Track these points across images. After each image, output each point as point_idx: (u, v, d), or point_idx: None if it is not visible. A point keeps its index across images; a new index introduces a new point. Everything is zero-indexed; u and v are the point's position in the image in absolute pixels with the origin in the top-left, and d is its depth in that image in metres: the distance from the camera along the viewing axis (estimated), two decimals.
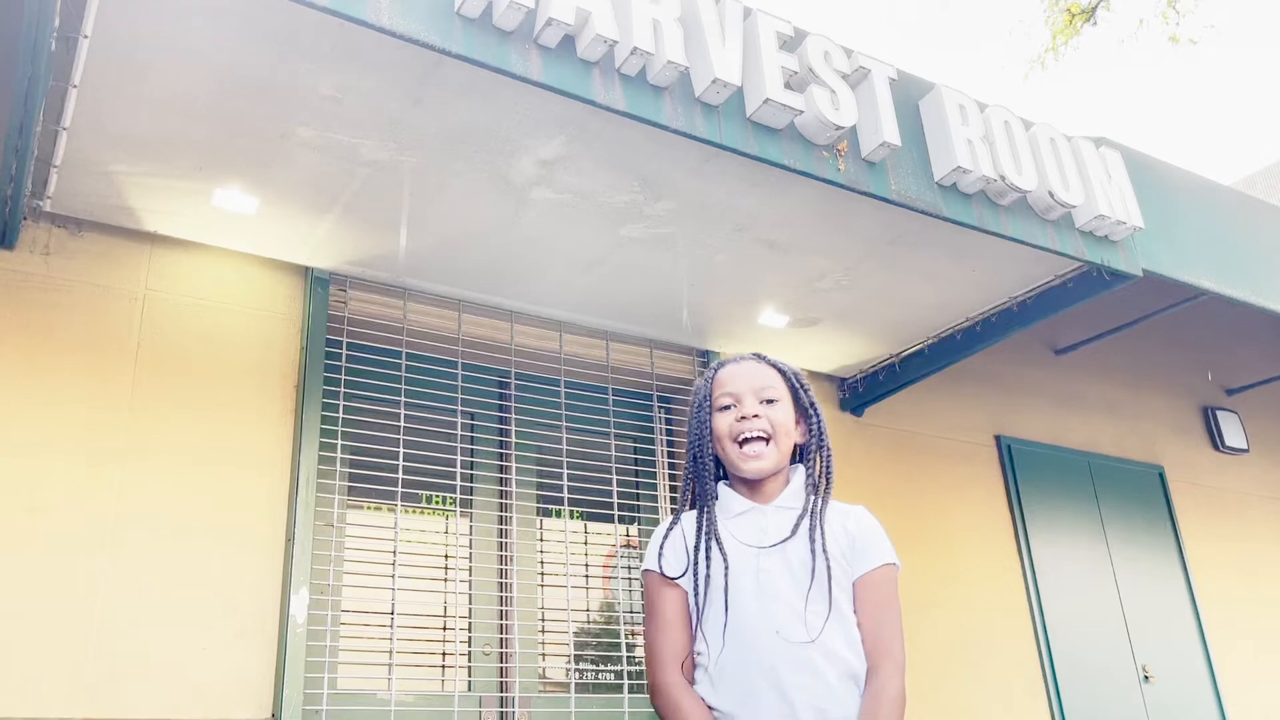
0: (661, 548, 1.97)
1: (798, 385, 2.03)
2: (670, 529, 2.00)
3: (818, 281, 4.47)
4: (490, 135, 3.40)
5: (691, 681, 1.88)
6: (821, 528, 1.88)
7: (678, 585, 1.93)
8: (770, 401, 1.97)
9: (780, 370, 2.03)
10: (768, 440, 1.94)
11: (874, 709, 1.77)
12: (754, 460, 1.93)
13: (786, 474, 1.99)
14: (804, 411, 2.02)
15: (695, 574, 1.91)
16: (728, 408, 1.98)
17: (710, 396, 2.01)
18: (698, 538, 1.93)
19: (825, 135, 3.51)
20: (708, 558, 1.90)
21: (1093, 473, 6.33)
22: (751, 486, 1.97)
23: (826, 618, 1.82)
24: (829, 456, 2.00)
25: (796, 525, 1.89)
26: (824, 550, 1.85)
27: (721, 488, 2.00)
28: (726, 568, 1.88)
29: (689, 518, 1.99)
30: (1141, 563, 6.26)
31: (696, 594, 1.90)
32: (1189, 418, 7.17)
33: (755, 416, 1.94)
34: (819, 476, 1.99)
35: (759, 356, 2.06)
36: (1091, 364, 6.62)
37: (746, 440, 1.94)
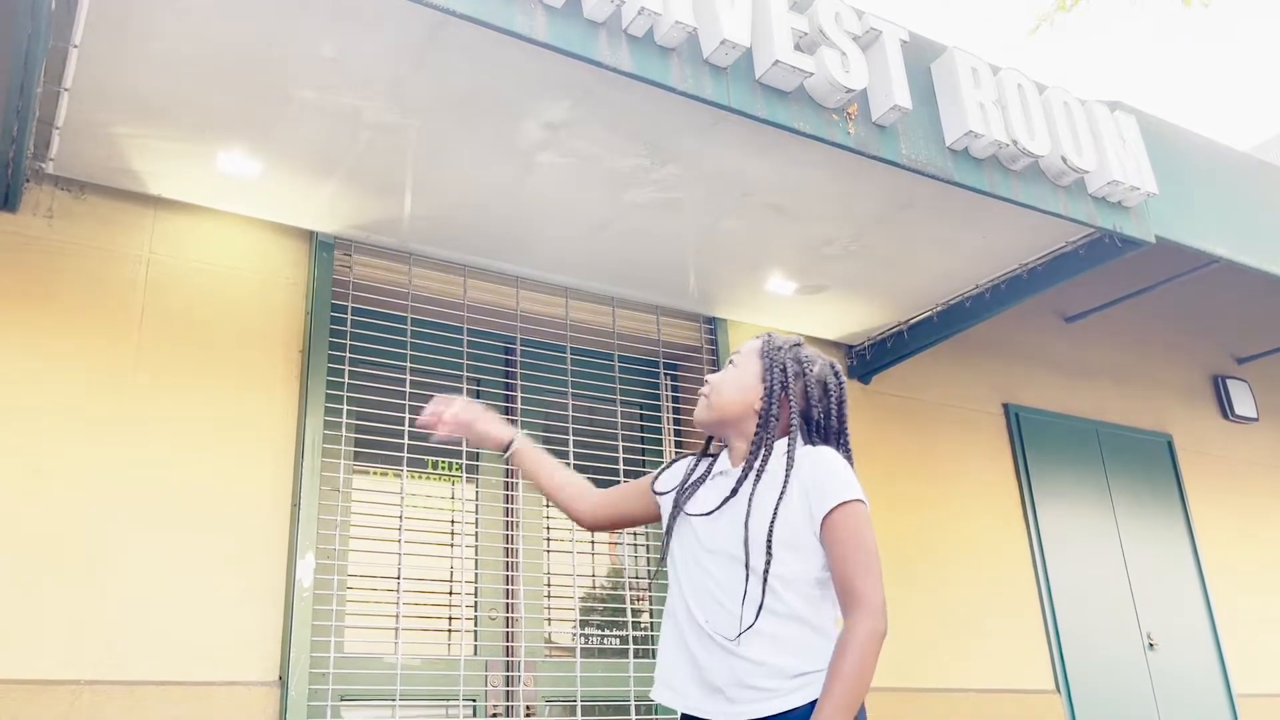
0: (669, 467, 2.21)
1: (764, 352, 2.09)
2: (686, 460, 2.18)
3: (826, 247, 4.43)
4: (495, 98, 3.36)
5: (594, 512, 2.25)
6: (750, 508, 1.92)
7: (648, 488, 2.20)
8: (730, 364, 2.13)
9: (763, 339, 2.13)
10: (704, 395, 2.11)
11: (839, 654, 1.80)
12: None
13: (755, 440, 2.04)
14: (766, 378, 2.06)
15: (667, 521, 2.10)
16: None
17: None
18: (680, 488, 2.10)
19: (835, 98, 3.46)
20: (676, 508, 2.07)
21: (1100, 441, 6.31)
22: (730, 447, 2.09)
23: (752, 624, 1.85)
24: (765, 423, 2.02)
25: (725, 500, 1.97)
26: (766, 544, 1.88)
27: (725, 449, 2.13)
28: (675, 518, 2.05)
29: (704, 463, 2.14)
30: (1148, 531, 6.25)
31: (665, 538, 2.09)
32: (1198, 386, 7.14)
33: (706, 380, 2.13)
34: (755, 447, 2.02)
35: (762, 334, 2.18)
36: (1101, 332, 6.58)
37: None
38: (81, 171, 3.71)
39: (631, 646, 4.45)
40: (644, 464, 4.87)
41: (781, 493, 1.90)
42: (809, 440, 2.01)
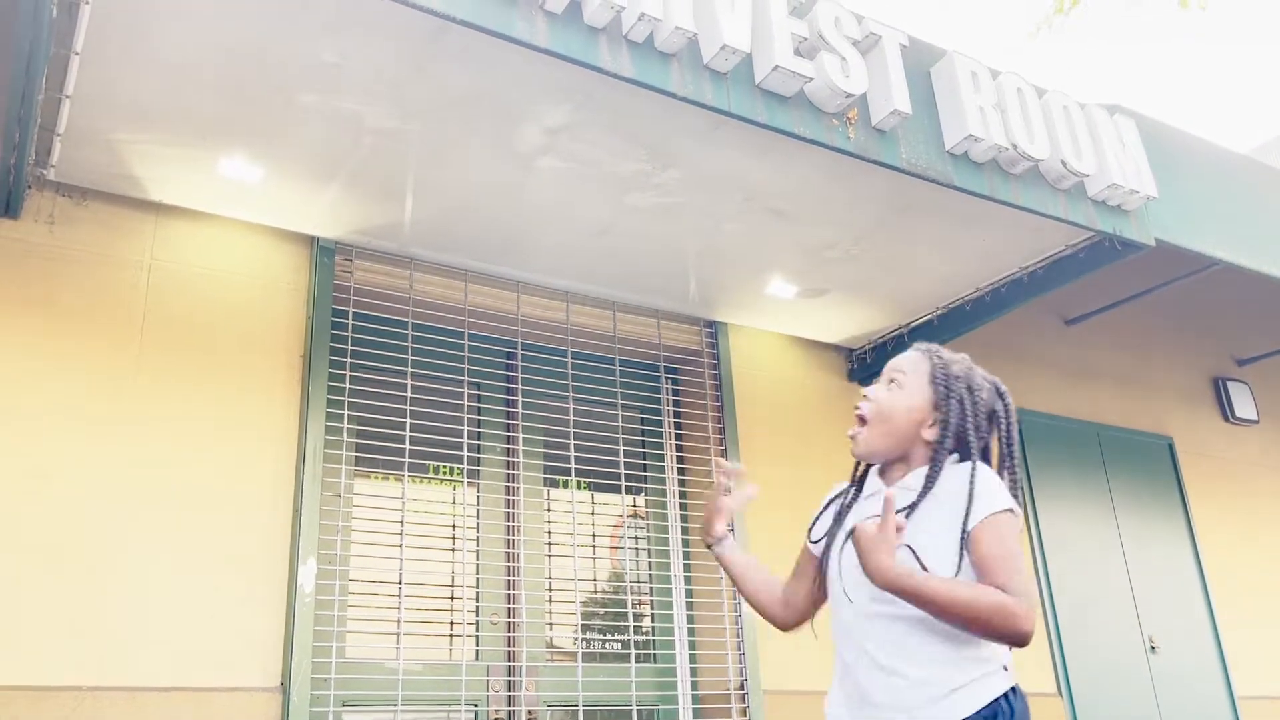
0: (820, 514, 2.17)
1: (934, 370, 2.02)
2: (835, 497, 2.15)
3: (826, 251, 4.43)
4: (495, 103, 3.37)
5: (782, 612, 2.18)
6: (910, 530, 1.88)
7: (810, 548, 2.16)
8: (891, 381, 2.04)
9: (930, 357, 2.05)
10: (864, 422, 2.02)
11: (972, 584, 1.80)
12: (852, 443, 2.04)
13: (914, 460, 1.99)
14: (938, 396, 2.00)
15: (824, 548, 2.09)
16: None
17: None
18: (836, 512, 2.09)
19: (835, 103, 3.46)
20: (829, 537, 2.06)
21: (1101, 444, 6.31)
22: (880, 470, 2.05)
23: (914, 644, 1.84)
24: (938, 454, 1.96)
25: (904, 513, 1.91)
26: (957, 563, 1.84)
27: (872, 470, 2.08)
28: (827, 548, 2.04)
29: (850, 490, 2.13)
30: (1149, 534, 6.25)
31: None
32: (1199, 388, 7.14)
33: (864, 398, 2.04)
34: (930, 474, 1.96)
35: (924, 349, 2.09)
36: (1102, 334, 6.58)
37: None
38: (83, 178, 3.72)
39: (633, 651, 4.45)
40: (645, 468, 4.87)
41: (950, 513, 1.88)
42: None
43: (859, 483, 2.09)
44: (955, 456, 1.98)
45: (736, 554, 2.24)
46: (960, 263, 4.59)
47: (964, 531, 1.83)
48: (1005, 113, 3.84)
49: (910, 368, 2.04)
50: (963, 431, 1.98)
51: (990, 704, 1.79)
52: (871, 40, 3.59)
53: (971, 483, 1.88)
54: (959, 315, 4.98)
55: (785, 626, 2.20)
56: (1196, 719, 5.85)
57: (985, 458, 1.98)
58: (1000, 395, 2.05)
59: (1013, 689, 1.83)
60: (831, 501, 2.15)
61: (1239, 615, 6.37)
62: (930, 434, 1.98)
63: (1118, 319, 6.37)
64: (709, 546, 2.26)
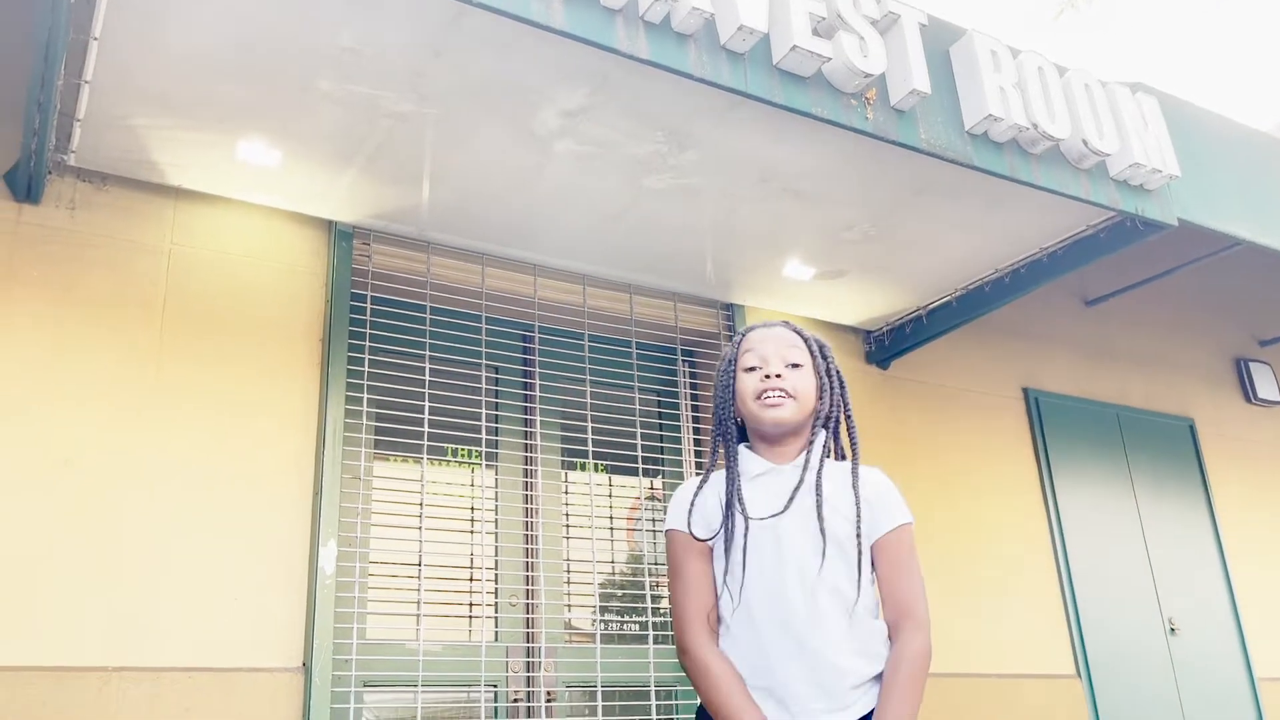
0: (691, 508, 1.99)
1: (818, 353, 2.06)
2: (699, 490, 2.02)
3: (845, 233, 4.41)
4: (512, 86, 3.36)
5: (716, 637, 1.95)
6: (820, 492, 1.92)
7: (703, 544, 1.97)
8: (795, 365, 2.01)
9: (805, 339, 2.07)
10: (791, 396, 1.98)
11: (895, 667, 1.82)
12: (774, 409, 1.95)
13: (808, 437, 2.01)
14: (823, 379, 2.04)
15: (725, 535, 1.94)
16: (754, 369, 2.01)
17: (736, 359, 2.05)
18: (727, 497, 1.96)
19: (854, 83, 3.44)
20: (731, 518, 1.94)
21: (1121, 425, 6.27)
22: (771, 446, 2.00)
23: (842, 585, 1.86)
24: (852, 425, 2.05)
25: (794, 493, 1.92)
26: (830, 519, 1.90)
27: (742, 450, 2.03)
28: (746, 529, 1.92)
29: (718, 478, 2.03)
30: (1169, 516, 6.22)
31: (726, 554, 1.93)
32: (1221, 369, 7.08)
33: (779, 376, 1.98)
34: (844, 443, 2.04)
35: (786, 324, 2.09)
36: (1122, 315, 6.54)
37: (768, 395, 1.97)
38: (103, 163, 3.73)
39: (651, 632, 4.47)
40: (662, 450, 4.88)
41: (856, 497, 1.93)
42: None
43: (728, 463, 2.01)
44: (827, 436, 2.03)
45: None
46: (979, 243, 4.56)
47: (862, 535, 1.89)
48: (1025, 92, 3.80)
49: (797, 346, 2.04)
50: (835, 405, 2.05)
51: None
52: (890, 19, 3.56)
53: (872, 481, 1.96)
54: (978, 296, 4.95)
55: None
56: (1216, 700, 5.84)
57: (832, 424, 2.06)
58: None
59: None
60: (699, 494, 2.00)
61: (1259, 597, 6.34)
62: (821, 405, 2.03)
63: (1138, 299, 6.33)
64: None
